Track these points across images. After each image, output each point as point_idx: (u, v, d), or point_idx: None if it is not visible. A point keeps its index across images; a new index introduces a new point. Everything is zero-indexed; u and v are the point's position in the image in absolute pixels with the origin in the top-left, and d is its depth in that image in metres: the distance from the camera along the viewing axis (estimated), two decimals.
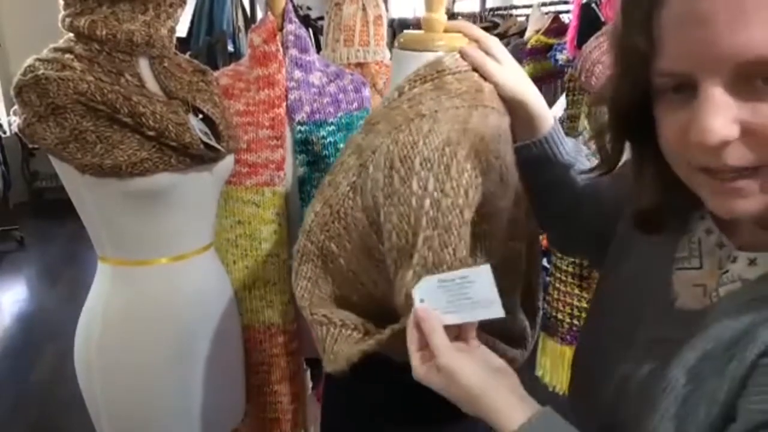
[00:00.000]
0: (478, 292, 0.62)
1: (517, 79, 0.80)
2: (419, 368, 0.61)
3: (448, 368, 0.58)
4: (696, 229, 0.61)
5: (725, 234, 0.58)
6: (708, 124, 0.45)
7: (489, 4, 4.19)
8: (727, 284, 0.55)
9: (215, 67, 1.39)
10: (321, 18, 3.50)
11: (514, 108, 0.81)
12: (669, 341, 0.56)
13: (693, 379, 0.51)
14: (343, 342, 0.75)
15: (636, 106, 0.54)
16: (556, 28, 2.71)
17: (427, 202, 0.66)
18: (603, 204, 0.79)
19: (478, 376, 0.58)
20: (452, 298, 0.62)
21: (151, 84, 1.05)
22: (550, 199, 0.86)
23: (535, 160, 0.83)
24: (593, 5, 2.17)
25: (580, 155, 0.86)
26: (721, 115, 0.45)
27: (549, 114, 0.83)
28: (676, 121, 0.49)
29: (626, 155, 0.63)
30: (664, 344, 0.56)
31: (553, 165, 0.84)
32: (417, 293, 0.63)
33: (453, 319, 0.62)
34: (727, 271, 0.55)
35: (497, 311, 0.61)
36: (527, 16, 3.18)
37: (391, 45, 1.37)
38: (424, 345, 0.62)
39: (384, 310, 0.77)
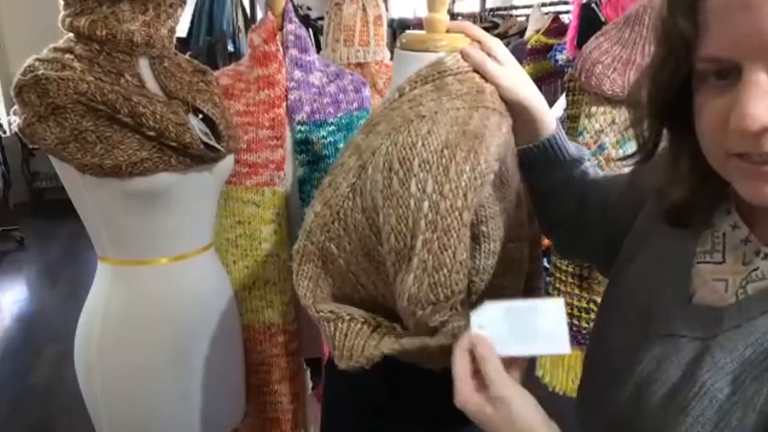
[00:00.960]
0: (545, 324, 0.60)
1: (518, 80, 0.80)
2: (466, 396, 0.58)
3: (503, 400, 0.56)
4: (721, 224, 0.59)
5: (752, 230, 0.56)
6: (749, 110, 0.45)
7: (489, 4, 4.19)
8: (756, 282, 0.53)
9: (215, 67, 1.39)
10: (321, 18, 3.50)
11: (516, 110, 0.81)
12: (684, 338, 0.55)
13: (731, 383, 0.50)
14: (355, 337, 0.74)
15: (676, 92, 0.54)
16: (556, 28, 2.72)
17: (426, 204, 0.66)
18: (609, 207, 0.78)
19: (530, 413, 0.56)
20: (515, 328, 0.60)
21: (151, 84, 1.05)
22: (554, 203, 0.86)
23: (538, 163, 0.83)
24: (593, 5, 2.17)
25: (583, 156, 0.86)
26: (764, 102, 0.45)
27: (552, 117, 0.83)
28: (717, 107, 0.49)
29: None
30: (680, 341, 0.55)
31: (556, 168, 0.83)
32: (476, 318, 0.60)
33: (513, 350, 0.60)
34: (756, 269, 0.54)
35: (563, 347, 0.59)
36: (527, 16, 3.19)
37: (391, 45, 1.37)
38: (473, 372, 0.59)
39: (386, 311, 0.77)
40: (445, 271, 0.66)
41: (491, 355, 0.59)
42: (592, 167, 0.87)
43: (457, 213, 0.66)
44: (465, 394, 0.58)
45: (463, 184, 0.66)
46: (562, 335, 0.59)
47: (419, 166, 0.68)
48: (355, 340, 0.74)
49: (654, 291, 0.62)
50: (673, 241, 0.62)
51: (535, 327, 0.60)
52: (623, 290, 0.68)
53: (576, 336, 1.46)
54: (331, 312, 0.76)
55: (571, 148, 0.85)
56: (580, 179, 0.84)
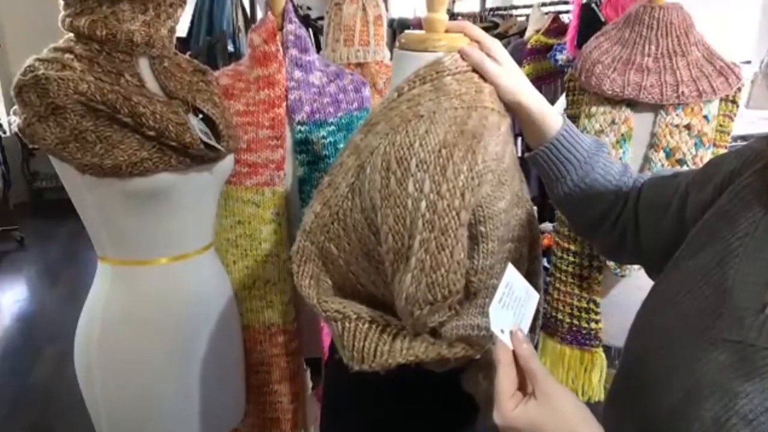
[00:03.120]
0: (519, 289, 0.64)
1: (516, 80, 0.80)
2: (508, 411, 0.57)
3: (547, 392, 0.56)
4: None
5: None
6: None
7: (489, 4, 4.19)
8: None
9: (215, 67, 1.39)
10: (321, 18, 3.50)
11: (514, 110, 0.81)
12: (753, 347, 0.52)
13: None
14: (364, 338, 0.74)
15: None
16: (556, 28, 2.72)
17: (423, 204, 0.66)
18: (664, 204, 0.74)
19: (575, 404, 0.56)
20: (512, 309, 0.63)
21: (151, 84, 1.05)
22: (588, 202, 0.83)
23: (555, 163, 0.82)
24: (593, 5, 2.17)
25: (601, 151, 0.84)
26: None
27: (556, 116, 0.82)
28: None
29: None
30: (748, 350, 0.52)
31: (575, 165, 0.82)
32: (494, 326, 0.60)
33: (525, 327, 0.63)
34: None
35: (536, 294, 0.66)
36: (527, 16, 3.19)
37: (391, 45, 1.37)
38: (518, 385, 0.59)
39: (386, 312, 0.77)
40: (443, 270, 0.66)
41: (533, 352, 0.59)
42: (622, 163, 0.85)
43: (454, 213, 0.66)
44: (508, 410, 0.57)
45: (461, 183, 0.66)
46: (530, 289, 0.66)
47: (416, 166, 0.68)
48: (365, 342, 0.74)
49: (721, 290, 0.57)
50: (752, 242, 0.58)
51: (518, 298, 0.64)
52: (683, 284, 0.63)
53: (576, 336, 1.46)
54: (337, 311, 0.76)
55: (587, 141, 0.83)
56: (609, 176, 0.82)
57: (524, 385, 0.59)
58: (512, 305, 0.63)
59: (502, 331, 0.60)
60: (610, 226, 0.84)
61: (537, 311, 0.90)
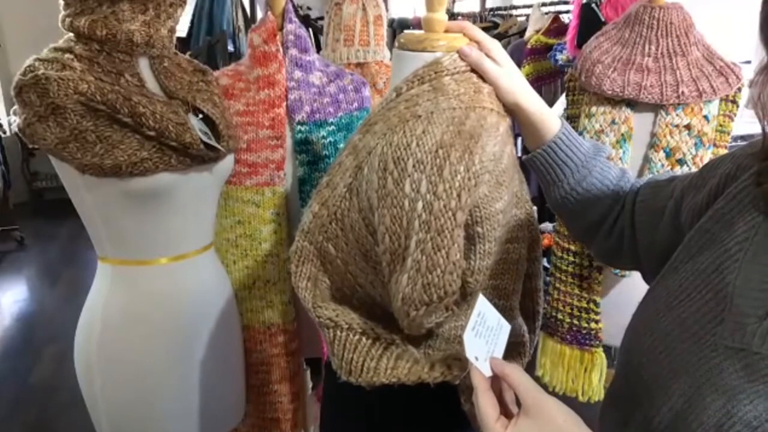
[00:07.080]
0: (491, 319, 0.65)
1: (515, 82, 0.79)
2: None
3: (537, 405, 0.56)
4: None
5: None
6: None
7: (489, 4, 4.20)
8: None
9: (215, 67, 1.39)
10: (321, 18, 3.51)
11: (512, 111, 0.81)
12: (758, 355, 0.51)
13: None
14: (354, 350, 0.75)
15: None
16: (556, 28, 2.73)
17: (420, 204, 0.66)
18: (659, 209, 0.74)
19: (566, 414, 0.56)
20: (486, 338, 0.63)
21: (151, 84, 1.05)
22: (584, 205, 0.83)
23: (553, 166, 0.82)
24: (593, 5, 2.17)
25: (599, 155, 0.84)
26: None
27: (555, 118, 0.82)
28: None
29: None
30: (753, 358, 0.51)
31: (572, 168, 0.82)
32: (469, 353, 0.61)
33: (498, 355, 0.63)
34: None
35: (507, 325, 0.66)
36: (527, 16, 3.20)
37: (391, 45, 1.37)
38: (500, 411, 0.59)
39: (385, 312, 0.77)
40: (439, 271, 0.66)
41: (518, 368, 0.59)
42: (619, 168, 0.85)
43: (450, 213, 0.66)
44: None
45: (457, 184, 0.66)
46: (501, 319, 0.66)
47: (413, 166, 0.68)
48: (354, 354, 0.74)
49: (722, 296, 0.56)
50: (752, 247, 0.57)
51: (490, 327, 0.64)
52: (682, 288, 0.61)
53: (576, 336, 1.46)
54: (329, 319, 0.77)
55: (585, 145, 0.83)
56: (606, 180, 0.82)
57: (505, 410, 0.60)
58: (485, 334, 0.63)
59: (477, 359, 0.61)
60: (608, 231, 0.83)
61: (536, 312, 0.91)
